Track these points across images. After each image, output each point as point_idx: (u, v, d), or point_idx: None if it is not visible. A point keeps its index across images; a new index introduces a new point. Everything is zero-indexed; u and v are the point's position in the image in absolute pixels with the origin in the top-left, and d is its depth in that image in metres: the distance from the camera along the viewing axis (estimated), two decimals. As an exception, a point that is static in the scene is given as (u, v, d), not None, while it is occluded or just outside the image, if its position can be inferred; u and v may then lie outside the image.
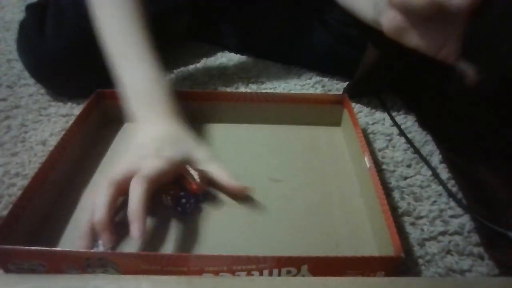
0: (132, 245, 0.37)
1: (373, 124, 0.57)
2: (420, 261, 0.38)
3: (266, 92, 0.55)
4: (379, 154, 0.51)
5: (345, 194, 0.44)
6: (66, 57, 0.57)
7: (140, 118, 0.45)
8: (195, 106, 0.53)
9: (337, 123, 0.55)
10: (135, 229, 0.34)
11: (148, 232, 0.39)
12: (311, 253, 0.33)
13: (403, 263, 0.37)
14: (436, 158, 0.50)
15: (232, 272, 0.33)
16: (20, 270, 0.34)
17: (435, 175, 0.47)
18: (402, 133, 0.54)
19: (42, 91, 0.62)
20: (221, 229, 0.40)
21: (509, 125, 0.41)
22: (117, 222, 0.38)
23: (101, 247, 0.35)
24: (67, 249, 0.33)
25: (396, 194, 0.45)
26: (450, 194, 0.45)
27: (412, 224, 0.42)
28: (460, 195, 0.45)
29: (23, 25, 0.62)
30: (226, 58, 0.73)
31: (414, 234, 0.41)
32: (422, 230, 0.41)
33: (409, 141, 0.52)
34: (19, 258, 0.33)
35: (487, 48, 0.27)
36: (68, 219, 0.40)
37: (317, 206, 0.43)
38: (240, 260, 0.33)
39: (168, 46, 0.73)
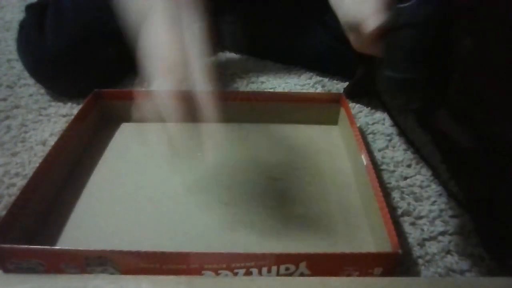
0: (132, 245, 0.37)
1: (373, 124, 0.57)
2: (420, 261, 0.38)
3: (264, 91, 0.56)
4: (379, 154, 0.51)
5: (343, 192, 0.45)
6: (66, 57, 0.57)
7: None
8: (195, 106, 0.53)
9: (334, 121, 0.55)
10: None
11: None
12: (309, 250, 0.33)
13: (400, 259, 0.37)
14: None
15: (231, 270, 0.33)
16: (19, 269, 0.34)
17: (435, 175, 0.47)
18: (402, 133, 0.54)
19: (42, 91, 0.62)
20: (220, 227, 0.40)
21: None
22: None
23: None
24: (66, 248, 0.33)
25: (396, 194, 0.45)
26: (450, 194, 0.45)
27: (412, 224, 0.42)
28: (460, 195, 0.45)
29: (23, 25, 0.62)
30: (226, 58, 0.73)
31: (414, 234, 0.41)
32: (422, 230, 0.41)
33: (409, 141, 0.52)
34: (18, 257, 0.33)
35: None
36: (67, 219, 0.41)
37: (315, 203, 0.43)
38: (239, 258, 0.33)
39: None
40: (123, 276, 0.32)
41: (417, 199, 0.45)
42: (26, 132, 0.54)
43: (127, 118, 0.54)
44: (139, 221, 0.41)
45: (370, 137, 0.54)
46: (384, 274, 0.34)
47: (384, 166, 0.49)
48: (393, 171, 0.48)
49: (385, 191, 0.45)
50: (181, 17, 0.39)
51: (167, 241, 0.39)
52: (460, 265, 0.38)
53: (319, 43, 0.67)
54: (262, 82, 0.66)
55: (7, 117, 0.56)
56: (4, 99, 0.60)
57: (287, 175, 0.47)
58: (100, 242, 0.38)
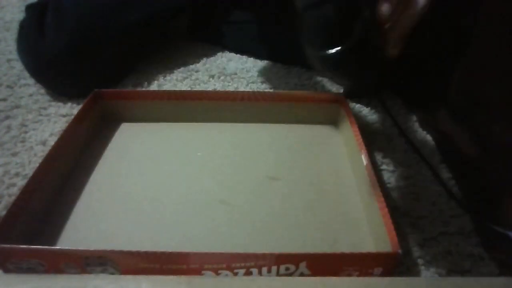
0: (132, 245, 0.37)
1: (373, 124, 0.57)
2: (420, 261, 0.38)
3: (263, 91, 0.55)
4: (379, 154, 0.51)
5: (342, 191, 0.45)
6: (66, 57, 0.57)
7: None
8: (195, 106, 0.53)
9: (334, 121, 0.55)
10: None
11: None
12: (309, 250, 0.33)
13: (400, 259, 0.37)
14: (436, 158, 0.50)
15: (231, 270, 0.33)
16: (19, 269, 0.34)
17: (435, 175, 0.47)
18: (402, 133, 0.54)
19: (42, 91, 0.62)
20: (220, 227, 0.40)
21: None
22: None
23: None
24: (66, 248, 0.33)
25: (396, 194, 0.45)
26: (450, 194, 0.45)
27: (412, 224, 0.42)
28: (460, 195, 0.45)
29: (23, 25, 0.62)
30: (226, 58, 0.72)
31: (414, 234, 0.41)
32: (422, 230, 0.41)
33: (409, 141, 0.52)
34: (18, 257, 0.33)
35: None
36: (67, 219, 0.41)
37: (315, 203, 0.43)
38: (239, 257, 0.33)
39: (168, 46, 0.73)
40: (123, 276, 0.32)
41: (417, 199, 0.45)
42: (26, 132, 0.54)
43: (127, 118, 0.54)
44: (139, 221, 0.41)
45: (370, 137, 0.54)
46: (384, 274, 0.35)
47: (384, 166, 0.49)
48: (393, 171, 0.48)
49: (385, 191, 0.45)
50: None
51: (167, 241, 0.39)
52: (460, 265, 0.38)
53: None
54: (262, 82, 0.66)
55: (7, 117, 0.56)
56: (4, 99, 0.60)
57: (287, 175, 0.47)
58: (100, 242, 0.38)
